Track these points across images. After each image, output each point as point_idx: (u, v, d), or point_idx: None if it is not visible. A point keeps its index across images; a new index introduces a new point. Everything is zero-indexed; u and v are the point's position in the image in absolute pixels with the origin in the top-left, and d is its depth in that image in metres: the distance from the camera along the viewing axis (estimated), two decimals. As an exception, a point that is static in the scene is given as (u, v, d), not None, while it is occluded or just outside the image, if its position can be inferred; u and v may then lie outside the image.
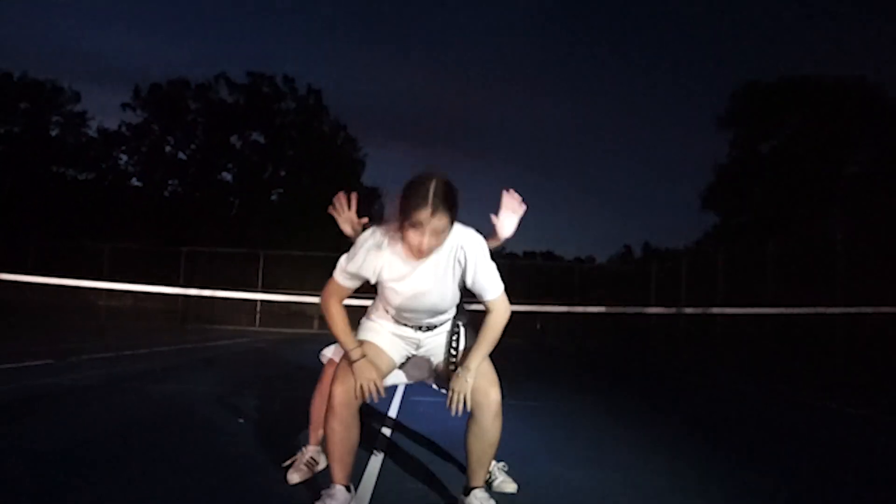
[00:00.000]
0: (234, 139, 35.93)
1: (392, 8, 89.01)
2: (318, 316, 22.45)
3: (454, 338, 2.44)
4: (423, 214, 2.10)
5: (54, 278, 8.48)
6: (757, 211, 27.19)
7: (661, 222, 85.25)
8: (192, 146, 35.68)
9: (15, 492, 2.30)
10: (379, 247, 2.28)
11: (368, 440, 3.48)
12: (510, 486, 2.61)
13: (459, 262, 2.29)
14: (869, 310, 7.96)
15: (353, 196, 2.63)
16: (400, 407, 4.75)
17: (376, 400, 2.27)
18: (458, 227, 2.26)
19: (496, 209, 2.73)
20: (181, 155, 35.78)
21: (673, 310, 11.93)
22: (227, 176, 36.41)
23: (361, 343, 2.41)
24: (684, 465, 3.28)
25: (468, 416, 2.31)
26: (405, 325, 2.47)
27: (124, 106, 34.97)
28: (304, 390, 5.48)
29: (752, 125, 28.54)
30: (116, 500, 2.22)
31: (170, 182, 35.85)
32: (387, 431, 3.80)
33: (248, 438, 3.43)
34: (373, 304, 2.57)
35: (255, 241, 26.04)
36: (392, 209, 2.24)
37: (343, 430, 2.24)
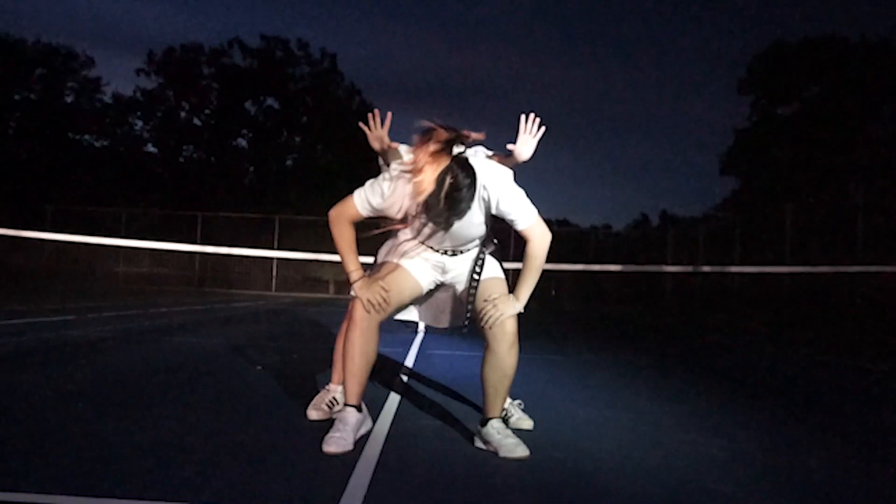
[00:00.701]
0: (248, 104, 35.77)
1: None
2: (333, 280, 22.59)
3: (478, 264, 2.44)
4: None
5: (73, 236, 8.56)
6: (777, 175, 26.75)
7: (678, 190, 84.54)
8: (207, 111, 35.59)
9: (40, 423, 2.35)
10: (404, 181, 2.25)
11: (386, 383, 3.52)
12: (527, 423, 2.62)
13: (484, 199, 2.28)
14: (890, 268, 7.82)
15: (388, 115, 2.59)
16: (416, 358, 4.79)
17: (386, 309, 2.34)
18: (479, 165, 2.24)
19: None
20: (196, 120, 35.68)
21: (690, 268, 11.84)
22: (242, 142, 36.36)
23: (381, 265, 2.48)
24: (692, 405, 3.28)
25: (484, 347, 2.32)
26: (431, 248, 2.47)
27: (138, 71, 34.89)
28: (322, 342, 5.53)
29: (773, 88, 27.91)
30: (136, 434, 2.26)
31: (185, 148, 35.82)
32: (403, 377, 3.83)
33: (266, 383, 3.47)
34: (399, 233, 2.56)
35: (271, 206, 26.11)
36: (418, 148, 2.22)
37: (362, 341, 2.30)
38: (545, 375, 4.26)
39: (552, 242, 2.40)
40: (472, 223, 2.33)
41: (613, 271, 16.34)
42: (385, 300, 2.33)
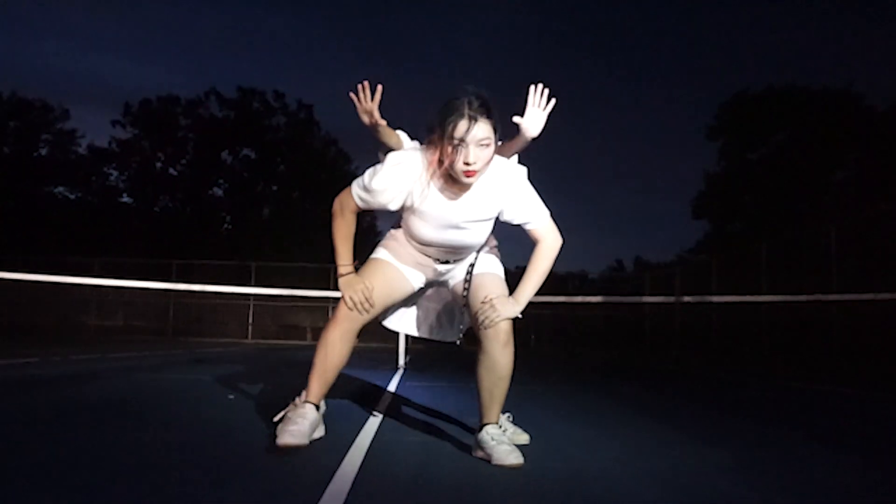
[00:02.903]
0: (224, 155, 35.75)
1: (384, 25, 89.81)
2: (311, 327, 22.21)
3: (471, 264, 2.35)
4: (462, 127, 2.00)
5: (37, 275, 8.31)
6: (749, 218, 27.23)
7: (651, 238, 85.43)
8: (183, 162, 35.48)
9: (12, 445, 2.16)
10: (412, 172, 2.14)
11: (367, 407, 3.36)
12: (522, 437, 2.45)
13: (499, 196, 2.19)
14: (869, 296, 7.87)
15: (378, 88, 2.42)
16: (398, 388, 4.62)
17: (371, 308, 2.22)
18: (496, 162, 2.16)
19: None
20: (172, 171, 35.54)
21: (672, 298, 11.85)
22: (219, 191, 36.18)
23: (372, 261, 2.38)
24: (693, 422, 3.18)
25: (477, 348, 2.21)
26: (427, 256, 2.36)
27: (114, 123, 34.74)
28: (297, 378, 5.32)
29: (741, 134, 28.65)
30: (103, 452, 2.08)
31: (160, 198, 35.55)
32: (385, 403, 3.66)
33: (239, 407, 3.28)
34: (395, 231, 2.44)
35: (247, 255, 25.77)
36: (430, 137, 2.12)
37: (338, 340, 2.20)
38: (531, 403, 4.12)
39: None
40: (480, 231, 2.25)
41: (594, 303, 16.51)
42: (369, 300, 2.22)
